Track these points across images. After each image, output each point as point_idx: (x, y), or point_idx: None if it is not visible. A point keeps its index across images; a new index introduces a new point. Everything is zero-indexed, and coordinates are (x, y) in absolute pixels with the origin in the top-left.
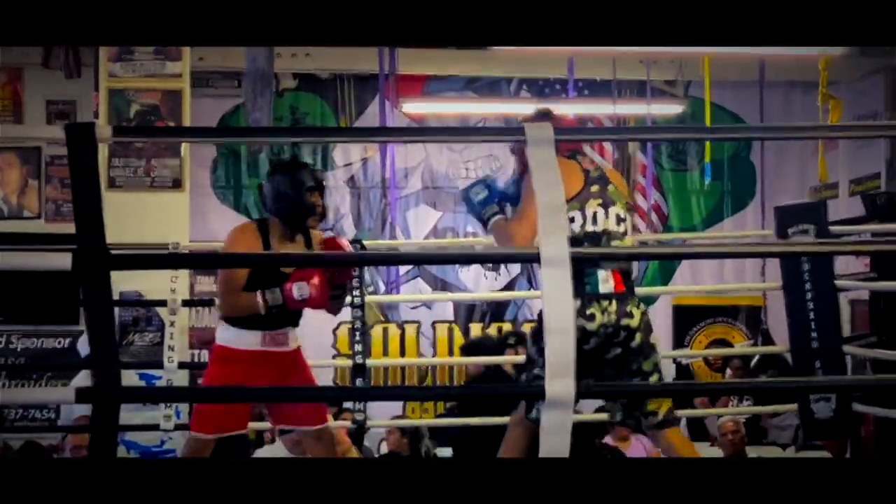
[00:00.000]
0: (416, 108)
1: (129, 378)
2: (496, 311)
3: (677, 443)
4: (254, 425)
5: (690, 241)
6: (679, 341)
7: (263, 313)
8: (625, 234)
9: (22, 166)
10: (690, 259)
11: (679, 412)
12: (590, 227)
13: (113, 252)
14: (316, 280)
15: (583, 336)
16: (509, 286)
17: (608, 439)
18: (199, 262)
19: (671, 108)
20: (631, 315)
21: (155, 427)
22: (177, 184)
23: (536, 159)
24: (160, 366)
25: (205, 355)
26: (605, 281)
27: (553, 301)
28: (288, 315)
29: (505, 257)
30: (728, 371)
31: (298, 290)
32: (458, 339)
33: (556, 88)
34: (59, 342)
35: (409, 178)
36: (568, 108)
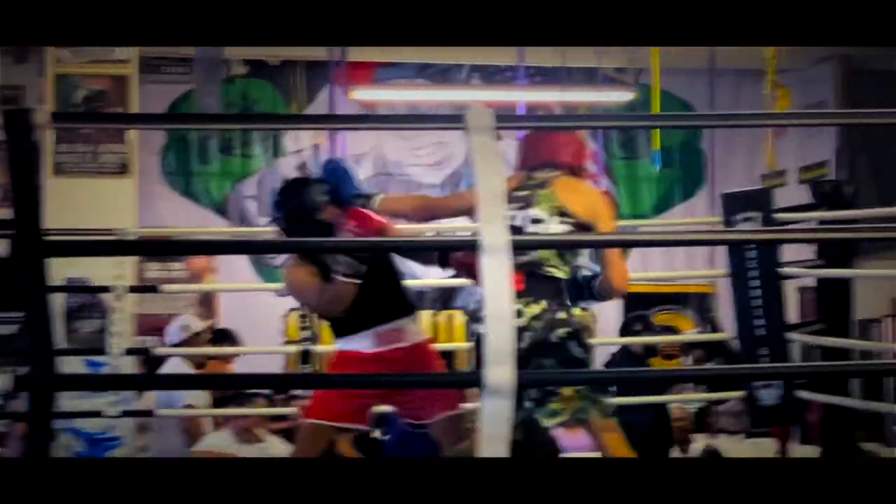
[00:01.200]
0: (366, 95)
1: (76, 365)
2: (446, 298)
3: (610, 442)
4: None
5: (637, 229)
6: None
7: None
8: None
9: None
10: (638, 247)
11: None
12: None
13: (50, 238)
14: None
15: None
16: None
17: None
18: (135, 249)
19: (622, 96)
20: (519, 314)
21: (97, 414)
22: (123, 169)
23: (476, 146)
24: (103, 352)
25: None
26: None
27: (493, 288)
28: (389, 308)
29: (440, 245)
30: (689, 359)
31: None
32: None
33: (507, 75)
34: (7, 329)
35: (361, 164)
36: (518, 95)
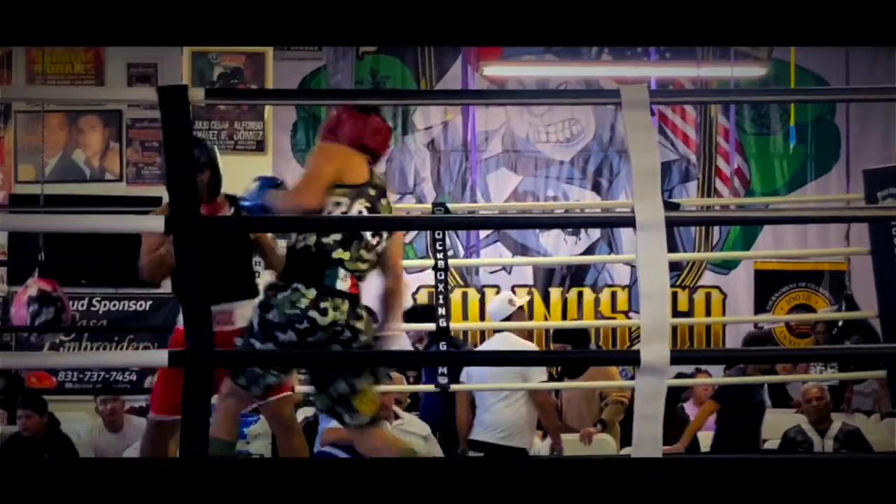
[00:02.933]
0: (496, 70)
1: None
2: (576, 275)
3: (381, 445)
4: None
5: (774, 206)
6: (761, 306)
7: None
8: (375, 247)
9: (104, 129)
10: (773, 224)
11: (762, 378)
12: None
13: (204, 215)
14: None
15: (311, 327)
16: (589, 250)
17: (689, 406)
18: (286, 224)
19: (754, 71)
20: (360, 317)
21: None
22: (260, 146)
23: (631, 121)
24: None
25: None
26: (344, 279)
27: (648, 264)
28: (228, 289)
29: (594, 222)
30: (812, 337)
31: None
32: (539, 303)
33: (638, 52)
34: (141, 305)
35: (490, 141)
36: (650, 72)
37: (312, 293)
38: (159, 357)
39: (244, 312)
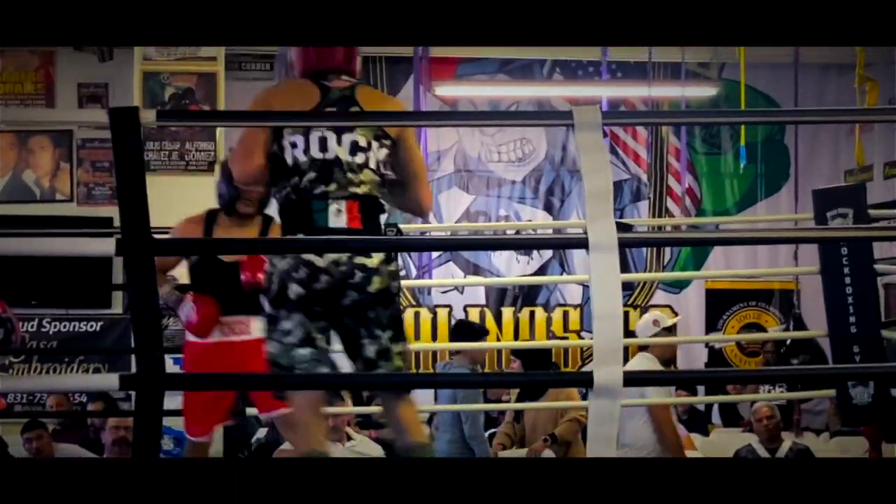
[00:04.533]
0: (449, 90)
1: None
2: (528, 295)
3: (409, 422)
4: None
5: (725, 226)
6: (712, 325)
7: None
8: (364, 164)
9: (54, 149)
10: (728, 245)
11: (711, 398)
12: (317, 154)
13: (156, 238)
14: (200, 305)
15: (312, 273)
16: (541, 270)
17: None
18: (242, 247)
19: (705, 91)
20: (368, 254)
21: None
22: (211, 167)
23: (584, 143)
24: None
25: None
26: (337, 214)
27: (601, 286)
28: (243, 302)
29: (548, 243)
30: (760, 356)
31: (183, 310)
32: (491, 322)
33: (590, 71)
34: (91, 326)
35: (442, 160)
36: (602, 91)
37: (299, 237)
38: (110, 380)
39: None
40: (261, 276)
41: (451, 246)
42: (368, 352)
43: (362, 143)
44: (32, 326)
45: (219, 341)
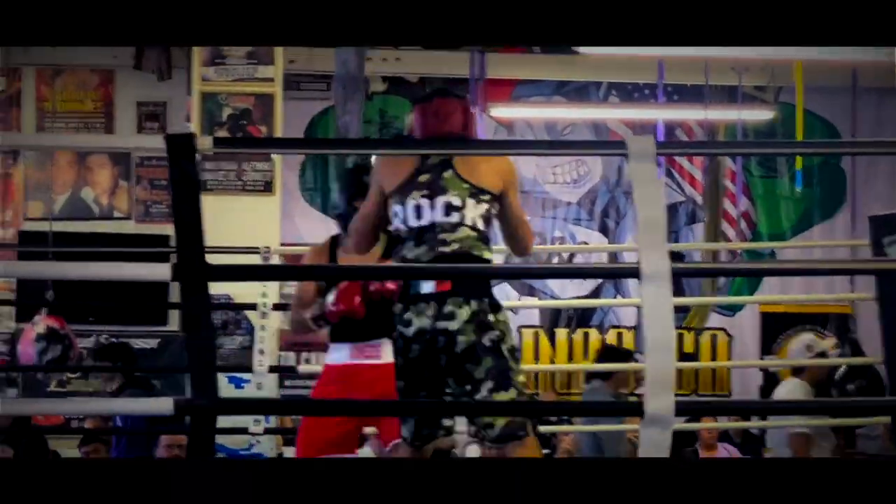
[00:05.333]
0: (504, 112)
1: (219, 381)
2: (582, 316)
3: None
4: None
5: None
6: (766, 349)
7: (314, 327)
8: (460, 223)
9: (113, 167)
10: (779, 276)
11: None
12: (413, 223)
13: (211, 263)
14: (346, 288)
15: (405, 344)
16: (595, 292)
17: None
18: (295, 274)
19: (762, 115)
20: (451, 317)
21: (243, 431)
22: (268, 187)
23: (637, 173)
24: (249, 369)
25: (292, 358)
26: (428, 280)
27: (654, 316)
28: (378, 326)
29: (600, 272)
30: None
31: (329, 298)
32: (545, 344)
33: (646, 93)
34: (148, 343)
35: None
36: (657, 114)
37: (399, 308)
38: (164, 405)
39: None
40: (356, 301)
41: (502, 274)
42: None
43: (456, 202)
44: (90, 343)
45: (349, 364)
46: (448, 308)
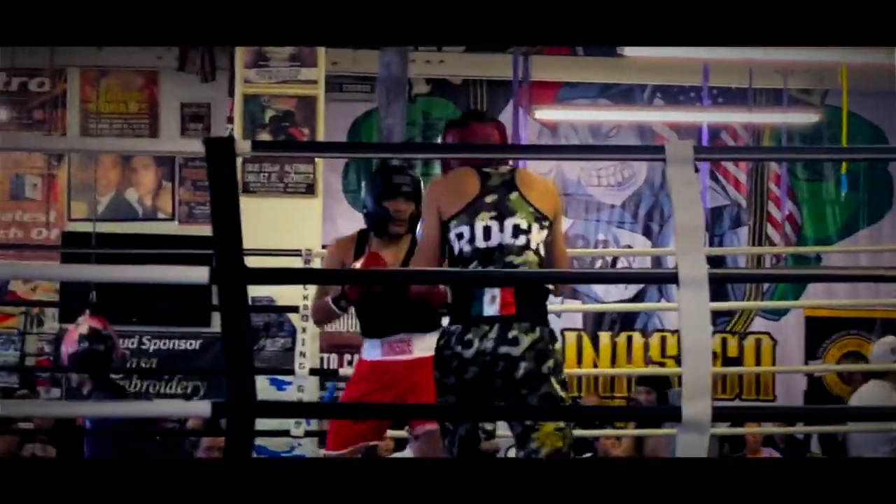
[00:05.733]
0: (548, 114)
1: (260, 383)
2: (626, 319)
3: None
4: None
5: (826, 258)
6: (811, 353)
7: (336, 310)
8: (526, 246)
9: (157, 168)
10: (820, 281)
11: (810, 428)
12: (481, 244)
13: (250, 266)
14: (366, 262)
15: (460, 365)
16: (640, 295)
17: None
18: (333, 278)
19: (807, 118)
20: (515, 342)
21: (285, 433)
22: (310, 189)
23: (675, 178)
24: (291, 372)
25: (334, 360)
26: (491, 302)
27: (691, 320)
28: (406, 321)
29: (638, 278)
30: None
31: None
32: (588, 347)
33: (691, 96)
34: (190, 344)
35: None
36: (702, 117)
37: (458, 328)
38: (202, 408)
39: (422, 343)
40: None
41: (543, 278)
42: (516, 430)
43: (523, 225)
44: (133, 344)
45: (381, 360)
46: (512, 333)
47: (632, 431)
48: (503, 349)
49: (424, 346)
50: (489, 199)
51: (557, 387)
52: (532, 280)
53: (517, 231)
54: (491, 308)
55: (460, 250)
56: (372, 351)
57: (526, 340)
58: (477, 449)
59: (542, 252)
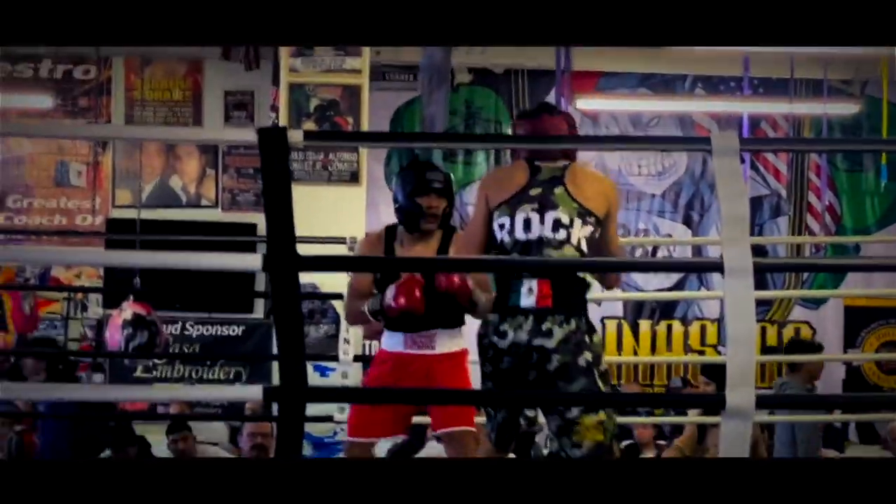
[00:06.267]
0: (590, 104)
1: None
2: (666, 308)
3: None
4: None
5: (866, 248)
6: (850, 342)
7: (372, 319)
8: (566, 241)
9: (201, 155)
10: (860, 271)
11: (847, 416)
12: (521, 235)
13: (301, 254)
14: (406, 283)
15: (496, 354)
16: (680, 284)
17: None
18: (383, 266)
19: (847, 108)
20: (549, 334)
21: (328, 419)
22: (354, 177)
23: (721, 169)
24: (335, 358)
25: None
26: (528, 293)
27: (736, 310)
28: (432, 317)
29: (683, 266)
30: None
31: (388, 293)
32: (628, 335)
33: (731, 86)
34: (233, 330)
35: None
36: (742, 107)
37: (496, 318)
38: (253, 392)
39: (446, 339)
40: (417, 296)
41: (584, 267)
42: (554, 424)
43: (565, 220)
44: (176, 329)
45: (403, 352)
46: (546, 325)
47: (694, 419)
48: (537, 341)
49: (448, 341)
50: (533, 191)
51: (599, 380)
52: (576, 269)
53: (557, 225)
54: (528, 300)
55: (501, 240)
56: (394, 342)
57: (560, 333)
58: (517, 434)
59: (585, 248)
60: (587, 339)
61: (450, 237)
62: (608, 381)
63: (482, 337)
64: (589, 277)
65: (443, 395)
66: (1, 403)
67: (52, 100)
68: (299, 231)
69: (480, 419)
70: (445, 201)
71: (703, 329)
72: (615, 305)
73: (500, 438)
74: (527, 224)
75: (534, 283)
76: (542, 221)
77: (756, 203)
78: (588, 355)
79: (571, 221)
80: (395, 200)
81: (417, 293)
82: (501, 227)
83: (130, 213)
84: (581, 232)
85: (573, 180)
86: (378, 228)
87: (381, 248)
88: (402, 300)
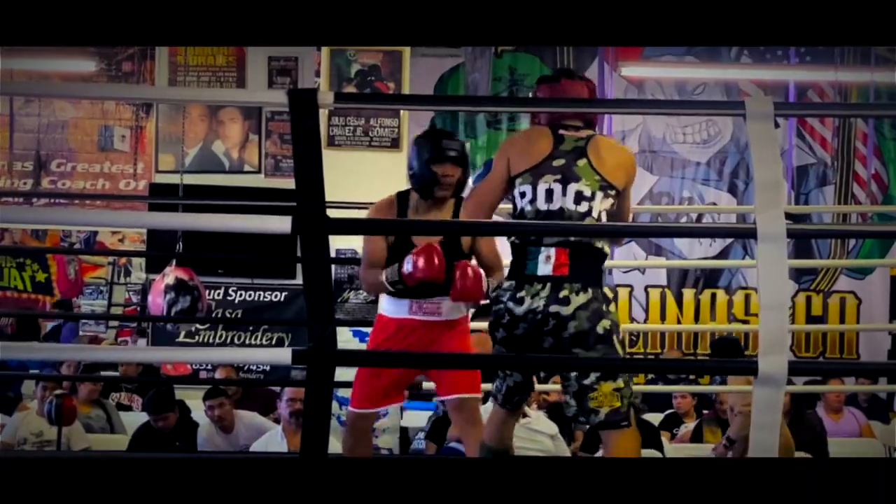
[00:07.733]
0: (635, 71)
1: (343, 334)
2: (710, 276)
3: (622, 452)
4: None
5: None
6: None
7: (391, 290)
8: (587, 213)
9: (244, 121)
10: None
11: (892, 387)
12: (542, 206)
13: (331, 216)
14: (425, 251)
15: (511, 320)
16: (724, 252)
17: (820, 411)
18: (414, 228)
19: (894, 76)
20: (566, 302)
21: None
22: (395, 143)
23: (755, 134)
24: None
25: None
26: (546, 261)
27: (768, 276)
28: (443, 285)
29: (716, 232)
30: None
31: (406, 262)
32: (671, 303)
33: (778, 55)
34: (276, 296)
35: (626, 140)
36: (789, 75)
37: (512, 284)
38: (282, 355)
39: (453, 306)
40: (437, 265)
41: (621, 232)
42: (572, 388)
43: (587, 192)
44: (219, 295)
45: (406, 318)
46: (563, 293)
47: (737, 388)
48: (553, 308)
49: (454, 308)
50: (556, 162)
51: (617, 347)
52: (602, 234)
53: (580, 197)
54: (545, 267)
55: (522, 209)
56: (396, 307)
57: (577, 300)
58: (527, 396)
59: (605, 220)
60: (604, 307)
61: (461, 207)
62: (626, 350)
63: (496, 303)
64: (610, 248)
65: (465, 359)
66: (45, 367)
67: (96, 64)
68: (339, 196)
69: (486, 385)
70: (461, 170)
71: (747, 298)
72: (659, 274)
73: (507, 399)
74: (549, 195)
75: (552, 252)
76: (564, 193)
77: (802, 172)
78: (606, 323)
79: (593, 194)
80: (410, 167)
81: (437, 261)
82: (523, 195)
83: (173, 179)
84: (602, 205)
85: (596, 152)
86: (388, 195)
87: (394, 215)
88: (422, 268)
